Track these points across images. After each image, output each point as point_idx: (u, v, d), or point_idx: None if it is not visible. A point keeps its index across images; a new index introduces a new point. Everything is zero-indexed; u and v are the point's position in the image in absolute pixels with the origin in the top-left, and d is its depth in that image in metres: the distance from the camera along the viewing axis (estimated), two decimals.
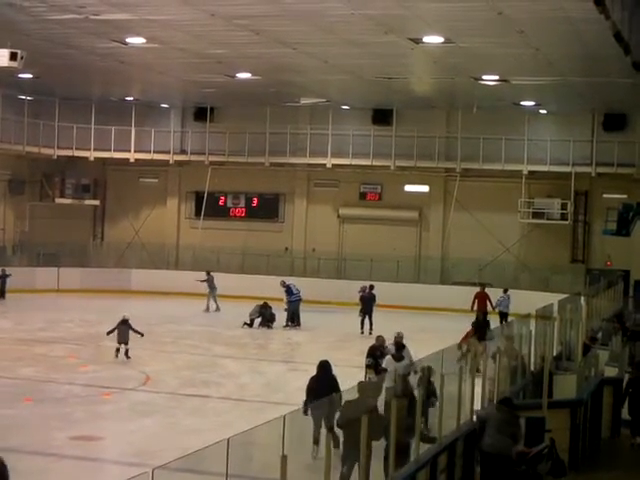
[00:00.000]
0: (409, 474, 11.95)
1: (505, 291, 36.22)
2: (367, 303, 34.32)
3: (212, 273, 39.80)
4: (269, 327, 34.65)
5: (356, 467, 11.30)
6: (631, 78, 30.48)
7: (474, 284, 39.41)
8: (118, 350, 26.30)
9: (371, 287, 35.15)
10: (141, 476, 7.64)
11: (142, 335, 26.68)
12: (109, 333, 26.56)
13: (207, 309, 39.08)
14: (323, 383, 16.53)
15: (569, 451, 15.57)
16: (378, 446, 11.66)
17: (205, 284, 39.05)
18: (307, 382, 17.12)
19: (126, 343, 26.23)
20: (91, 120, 45.87)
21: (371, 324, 33.65)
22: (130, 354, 26.33)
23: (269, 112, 44.74)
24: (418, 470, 12.21)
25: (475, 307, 35.65)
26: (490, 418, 14.46)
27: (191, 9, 24.30)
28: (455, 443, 13.70)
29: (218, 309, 39.11)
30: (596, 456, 17.09)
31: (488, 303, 35.72)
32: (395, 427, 11.53)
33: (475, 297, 36.01)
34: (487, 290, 36.40)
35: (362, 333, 33.25)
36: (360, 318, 34.01)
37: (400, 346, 20.40)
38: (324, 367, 17.13)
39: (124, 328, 26.18)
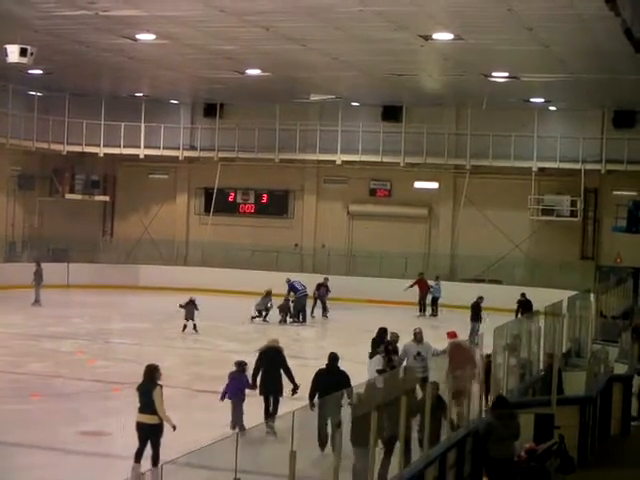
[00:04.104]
0: (418, 470, 11.95)
1: (436, 279, 39.96)
2: (323, 294, 38.33)
3: (42, 264, 38.35)
4: (265, 320, 35.00)
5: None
6: None
7: (483, 281, 39.36)
8: (185, 326, 30.66)
9: (326, 279, 38.92)
10: (150, 471, 7.65)
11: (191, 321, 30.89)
12: (181, 307, 31.13)
13: (36, 301, 37.15)
14: (332, 374, 16.98)
15: (578, 448, 15.55)
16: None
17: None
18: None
19: (192, 319, 30.67)
20: (101, 116, 45.87)
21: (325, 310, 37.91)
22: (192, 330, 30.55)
23: (279, 108, 44.74)
24: (427, 466, 12.21)
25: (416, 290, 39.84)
26: (491, 424, 14.31)
27: (201, 5, 24.30)
28: (464, 440, 13.69)
29: (37, 302, 37.14)
30: (605, 453, 17.05)
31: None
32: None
33: (416, 282, 39.96)
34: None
35: (313, 317, 37.38)
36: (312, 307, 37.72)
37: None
38: (333, 360, 17.48)
39: (191, 307, 30.83)
